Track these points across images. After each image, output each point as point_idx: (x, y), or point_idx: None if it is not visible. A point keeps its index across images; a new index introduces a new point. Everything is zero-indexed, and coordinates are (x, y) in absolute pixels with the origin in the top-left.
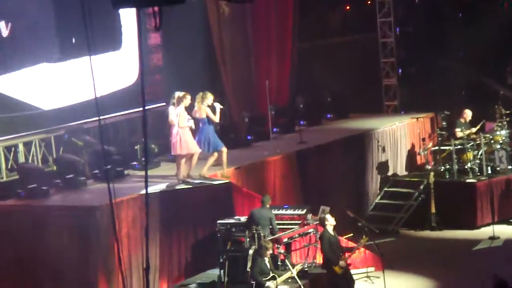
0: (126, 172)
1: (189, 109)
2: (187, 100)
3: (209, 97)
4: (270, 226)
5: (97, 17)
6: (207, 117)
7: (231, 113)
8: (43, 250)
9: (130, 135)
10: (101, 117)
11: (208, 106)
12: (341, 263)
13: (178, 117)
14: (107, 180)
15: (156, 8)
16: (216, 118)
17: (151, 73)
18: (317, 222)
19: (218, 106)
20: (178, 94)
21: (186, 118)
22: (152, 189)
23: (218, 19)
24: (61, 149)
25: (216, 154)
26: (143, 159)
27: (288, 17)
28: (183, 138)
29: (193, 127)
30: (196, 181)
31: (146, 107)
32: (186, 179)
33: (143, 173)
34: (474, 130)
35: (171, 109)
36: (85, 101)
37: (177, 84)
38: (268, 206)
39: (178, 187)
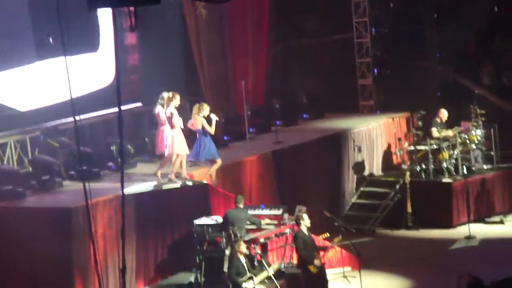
0: (102, 173)
1: (179, 110)
2: (177, 101)
3: (206, 108)
4: (248, 223)
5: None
6: (203, 128)
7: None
8: (19, 252)
9: (106, 136)
10: (76, 118)
11: (204, 117)
12: (316, 262)
13: (172, 117)
14: (82, 181)
15: (131, 8)
16: (212, 130)
17: (128, 73)
18: (294, 222)
19: (214, 118)
20: (167, 94)
21: (178, 119)
22: (128, 190)
23: (195, 20)
24: (36, 150)
25: (217, 161)
26: (119, 159)
27: (264, 19)
28: (176, 139)
29: (182, 126)
30: (186, 182)
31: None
32: (173, 179)
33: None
34: (451, 133)
35: (159, 109)
36: (61, 102)
37: (153, 85)
38: (241, 206)
39: (164, 187)
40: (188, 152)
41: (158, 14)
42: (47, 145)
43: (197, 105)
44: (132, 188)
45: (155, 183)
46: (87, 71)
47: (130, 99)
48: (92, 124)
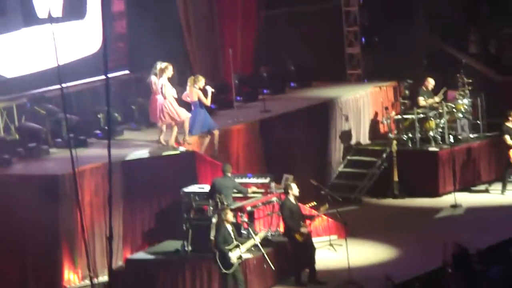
0: (89, 140)
1: (171, 80)
2: (169, 71)
3: (201, 80)
4: (235, 191)
5: None
6: (199, 100)
7: None
8: (6, 219)
9: (93, 104)
10: (63, 85)
11: (199, 89)
12: (302, 230)
13: (163, 88)
14: (69, 148)
15: None
16: (208, 101)
17: (115, 40)
18: (281, 190)
19: (209, 89)
20: (160, 65)
21: (171, 89)
22: (131, 155)
23: None
24: (23, 118)
25: (210, 135)
26: (106, 127)
27: None
28: (169, 108)
29: (176, 96)
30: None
31: (110, 75)
32: (175, 146)
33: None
34: (437, 99)
35: (153, 78)
36: (47, 69)
37: (141, 52)
38: (229, 174)
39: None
40: (189, 115)
41: None
42: (34, 112)
43: (192, 77)
44: (134, 154)
45: (153, 149)
46: (74, 39)
47: (117, 67)
48: (79, 92)
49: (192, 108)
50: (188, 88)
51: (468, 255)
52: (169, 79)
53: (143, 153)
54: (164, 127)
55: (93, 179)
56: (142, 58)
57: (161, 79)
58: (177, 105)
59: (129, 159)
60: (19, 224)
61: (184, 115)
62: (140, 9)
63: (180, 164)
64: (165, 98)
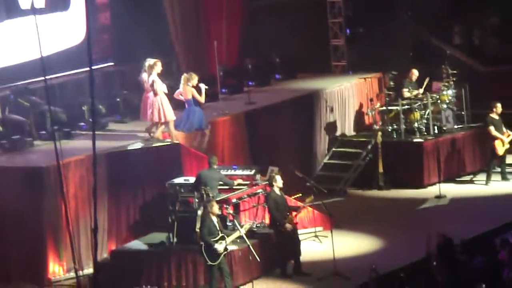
0: (73, 132)
1: (161, 76)
2: (158, 67)
3: (194, 78)
4: (221, 183)
5: None
6: (193, 97)
7: (180, 74)
8: None
9: (77, 96)
10: (47, 77)
11: (193, 87)
12: (288, 221)
13: (154, 84)
14: (54, 140)
15: None
16: (202, 99)
17: (99, 32)
18: (266, 182)
19: (203, 87)
20: (149, 62)
21: (161, 85)
22: (100, 149)
23: None
24: (6, 110)
25: (201, 133)
26: (91, 119)
27: None
28: (158, 106)
29: (166, 91)
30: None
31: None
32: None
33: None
34: (421, 90)
35: (144, 76)
36: (31, 61)
37: (125, 44)
38: (215, 167)
39: (130, 147)
40: (174, 118)
41: None
42: (17, 104)
43: (185, 75)
44: (119, 146)
45: (138, 141)
46: (57, 30)
47: (101, 58)
48: (63, 84)
49: (186, 106)
50: (181, 86)
51: (452, 246)
52: (159, 75)
53: (127, 145)
54: (161, 126)
55: (78, 171)
56: (127, 50)
57: (151, 76)
58: (167, 103)
59: (113, 151)
60: (3, 216)
61: (170, 116)
62: (125, 0)
63: (165, 156)
64: (156, 94)
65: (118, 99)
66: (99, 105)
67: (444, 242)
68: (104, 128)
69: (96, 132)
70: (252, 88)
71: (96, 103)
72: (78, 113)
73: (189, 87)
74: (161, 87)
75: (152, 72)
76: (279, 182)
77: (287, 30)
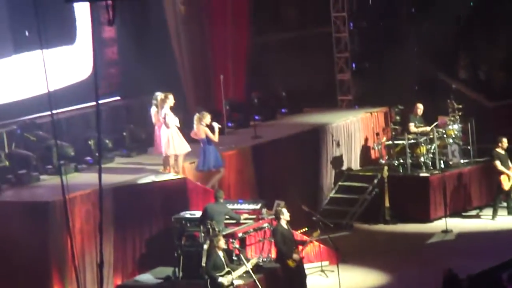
0: (79, 167)
1: (173, 110)
2: (170, 101)
3: (206, 117)
4: (227, 218)
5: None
6: (207, 137)
7: (187, 108)
8: None
9: (84, 130)
10: (54, 112)
11: (206, 126)
12: (295, 256)
13: (166, 118)
14: (60, 175)
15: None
16: (215, 138)
17: (106, 66)
18: (272, 216)
19: (216, 126)
20: (160, 95)
21: (173, 118)
22: (106, 183)
23: (174, 14)
24: (13, 144)
25: (220, 170)
26: (97, 153)
27: (244, 13)
28: (172, 139)
29: (178, 125)
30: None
31: (100, 101)
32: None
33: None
34: (428, 129)
35: (153, 110)
36: (38, 95)
37: (132, 78)
38: (222, 201)
39: (140, 181)
40: (189, 150)
41: (137, 7)
42: (24, 139)
43: (197, 115)
44: (125, 180)
45: (144, 175)
46: (64, 64)
47: (108, 93)
48: (70, 118)
49: (201, 145)
50: (195, 126)
51: (458, 281)
52: (171, 108)
53: (134, 179)
54: (171, 160)
55: (84, 206)
56: (133, 84)
57: (163, 109)
58: (178, 136)
59: (119, 185)
60: (9, 251)
61: (182, 150)
62: (132, 35)
63: (171, 190)
64: (168, 127)
65: (124, 133)
66: (105, 139)
67: (450, 277)
68: (111, 162)
69: (103, 166)
70: (258, 122)
71: (103, 138)
72: (84, 147)
73: (202, 126)
74: (173, 121)
75: (164, 106)
76: (286, 215)
77: (293, 64)
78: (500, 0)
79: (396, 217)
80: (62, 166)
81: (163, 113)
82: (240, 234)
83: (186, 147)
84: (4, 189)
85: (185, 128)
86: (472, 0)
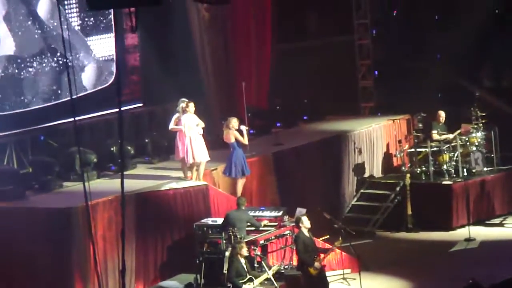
0: (102, 173)
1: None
2: (191, 108)
3: (232, 121)
4: (249, 225)
5: None
6: (236, 140)
7: (211, 115)
8: (19, 252)
9: (107, 137)
10: (77, 118)
11: (236, 130)
12: (316, 264)
13: (185, 126)
14: (82, 181)
15: (132, 9)
16: (245, 140)
17: (128, 73)
18: (294, 224)
19: (244, 128)
20: (182, 104)
21: (194, 125)
22: (129, 190)
23: (198, 22)
24: (36, 151)
25: (245, 177)
26: (119, 160)
27: (267, 20)
28: (188, 147)
29: (201, 132)
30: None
31: (123, 108)
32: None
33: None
34: (451, 136)
35: (175, 116)
36: (61, 102)
37: (154, 85)
38: (243, 208)
39: (163, 187)
40: (208, 159)
41: (160, 14)
42: (47, 145)
43: (226, 121)
44: (147, 187)
45: (167, 182)
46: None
47: (130, 100)
48: (93, 125)
49: (231, 149)
50: (224, 131)
51: None
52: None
53: (156, 186)
54: (193, 168)
55: (106, 212)
56: (156, 91)
57: (183, 116)
58: (199, 144)
59: (142, 192)
60: (32, 257)
61: (201, 158)
62: (154, 42)
63: (193, 197)
64: (185, 136)
65: (146, 140)
66: (128, 146)
67: (473, 287)
68: (133, 169)
69: (125, 173)
70: (280, 129)
71: (125, 144)
72: (107, 154)
73: (232, 130)
74: (195, 128)
75: (185, 113)
76: (306, 223)
77: (316, 71)
78: None
79: (418, 225)
80: (84, 173)
81: (183, 121)
82: (261, 241)
83: (205, 156)
84: (27, 195)
85: (208, 136)
86: (496, 7)
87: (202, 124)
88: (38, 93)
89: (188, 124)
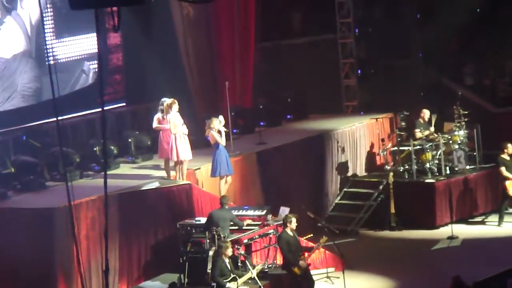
0: (85, 173)
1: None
2: (175, 106)
3: (214, 122)
4: (232, 224)
5: None
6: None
7: (195, 114)
8: (1, 253)
9: (89, 136)
10: (59, 118)
11: (218, 132)
12: (301, 263)
13: (171, 124)
14: (65, 181)
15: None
16: (222, 141)
17: (111, 73)
18: (278, 223)
19: (222, 130)
20: (166, 101)
21: (179, 123)
22: (112, 190)
23: (182, 20)
24: (18, 151)
25: (226, 178)
26: (102, 160)
27: (251, 19)
28: (172, 145)
29: (186, 131)
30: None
31: (106, 108)
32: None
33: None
34: (432, 129)
35: (157, 115)
36: (43, 102)
37: (137, 85)
38: (227, 207)
39: (146, 187)
40: (191, 158)
41: (143, 13)
42: (29, 145)
43: (207, 121)
44: (130, 187)
45: (150, 181)
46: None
47: (113, 99)
48: (75, 124)
49: (214, 149)
50: (206, 131)
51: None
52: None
53: (140, 185)
54: (177, 166)
55: (89, 212)
56: (139, 90)
57: (169, 115)
58: (183, 142)
59: (125, 191)
60: (15, 257)
61: (184, 156)
62: (137, 42)
63: (176, 196)
64: (171, 133)
65: (130, 140)
66: (111, 145)
67: (456, 284)
68: (116, 169)
69: (108, 173)
70: (263, 128)
71: (108, 144)
72: (90, 154)
73: (212, 131)
74: (180, 127)
75: (169, 112)
76: (293, 224)
77: (299, 70)
78: (506, 7)
79: (401, 223)
80: (67, 173)
81: (168, 119)
82: (245, 241)
83: (188, 155)
84: (9, 196)
85: (192, 135)
86: (478, 6)
87: (184, 127)
88: (19, 92)
89: (174, 122)
